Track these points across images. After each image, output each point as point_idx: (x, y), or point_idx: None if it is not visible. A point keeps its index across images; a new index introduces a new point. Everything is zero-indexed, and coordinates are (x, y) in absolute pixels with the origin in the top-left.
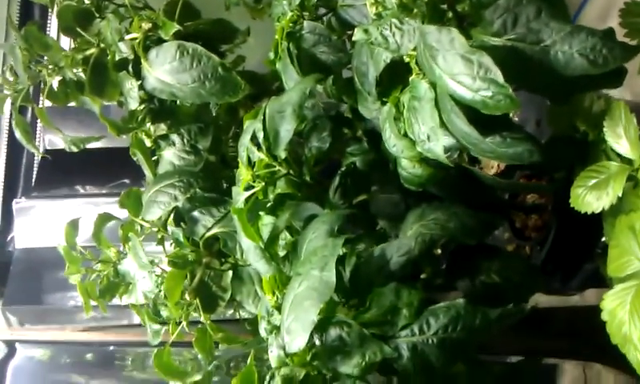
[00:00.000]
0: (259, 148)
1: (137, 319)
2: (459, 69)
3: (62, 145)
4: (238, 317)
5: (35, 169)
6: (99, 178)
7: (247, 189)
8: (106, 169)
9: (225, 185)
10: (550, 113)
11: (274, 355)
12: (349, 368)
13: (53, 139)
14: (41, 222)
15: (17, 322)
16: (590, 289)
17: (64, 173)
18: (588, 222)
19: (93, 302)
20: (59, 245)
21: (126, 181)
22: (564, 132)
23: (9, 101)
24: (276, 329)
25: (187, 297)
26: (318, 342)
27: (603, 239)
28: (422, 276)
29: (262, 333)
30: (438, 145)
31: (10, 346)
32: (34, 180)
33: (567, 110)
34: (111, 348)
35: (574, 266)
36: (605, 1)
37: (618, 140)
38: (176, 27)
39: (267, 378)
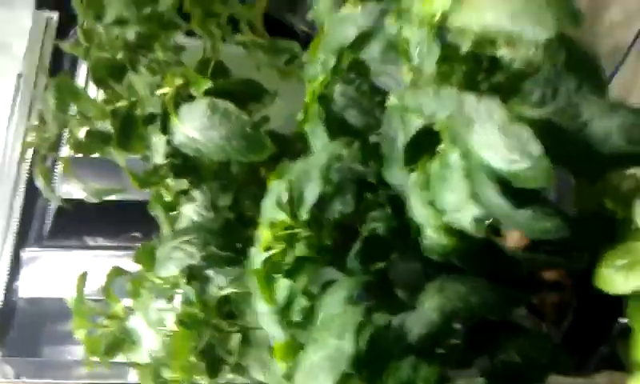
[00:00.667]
0: (282, 209)
1: (135, 378)
2: (496, 140)
3: (76, 195)
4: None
5: (48, 218)
6: (111, 230)
7: (266, 250)
8: (119, 222)
9: (240, 245)
10: (578, 190)
11: None
12: None
13: (69, 189)
14: (47, 272)
15: (14, 374)
16: (604, 372)
17: (77, 224)
18: (607, 302)
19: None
20: (68, 297)
21: (137, 234)
22: (591, 210)
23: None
24: None
25: (193, 358)
26: None
27: (621, 320)
28: (439, 351)
29: None
30: (466, 215)
31: None
32: (47, 230)
33: (595, 187)
34: None
35: (591, 346)
36: (631, 74)
37: None
38: (208, 84)
39: None
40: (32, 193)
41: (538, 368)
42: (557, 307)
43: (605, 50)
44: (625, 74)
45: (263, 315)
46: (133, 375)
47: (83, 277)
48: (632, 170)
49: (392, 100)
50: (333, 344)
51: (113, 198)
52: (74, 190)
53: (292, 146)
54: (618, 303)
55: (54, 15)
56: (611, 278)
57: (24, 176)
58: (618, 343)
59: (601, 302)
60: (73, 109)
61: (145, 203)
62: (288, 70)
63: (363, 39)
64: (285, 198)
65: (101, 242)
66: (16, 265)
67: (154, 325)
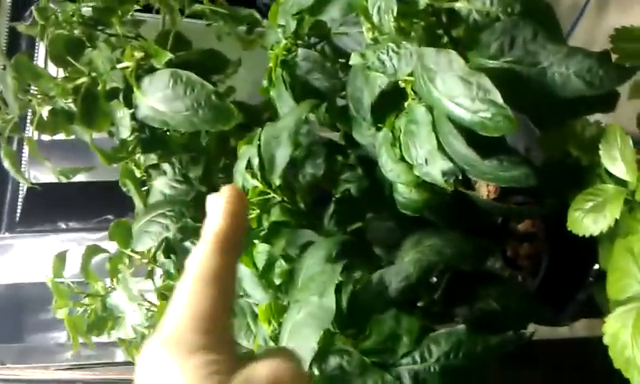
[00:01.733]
0: (253, 175)
1: (121, 357)
2: (458, 90)
3: (45, 179)
4: None
5: (19, 205)
6: (83, 213)
7: None
8: (90, 204)
9: None
10: (543, 139)
11: None
12: None
13: (37, 174)
14: (24, 258)
15: None
16: (580, 320)
17: (48, 208)
18: (581, 249)
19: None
20: (47, 277)
21: (110, 216)
22: (557, 158)
23: None
24: None
25: None
26: (317, 372)
27: (596, 267)
28: (419, 304)
29: None
30: (435, 168)
31: None
32: (18, 216)
33: (560, 135)
34: None
35: (567, 295)
36: (590, 27)
37: (614, 163)
38: (169, 56)
39: None
40: (1, 180)
41: (516, 315)
42: (531, 258)
43: (564, 5)
44: (584, 27)
45: (245, 279)
46: (119, 355)
47: (61, 256)
48: (594, 118)
49: (354, 58)
50: (315, 302)
51: (83, 179)
52: (41, 174)
53: (260, 116)
54: (591, 250)
55: None
56: (581, 221)
57: None
58: (594, 289)
59: (575, 250)
60: (33, 89)
61: (116, 183)
62: (249, 38)
63: (322, 1)
64: (256, 163)
65: (73, 225)
66: None
67: (135, 299)
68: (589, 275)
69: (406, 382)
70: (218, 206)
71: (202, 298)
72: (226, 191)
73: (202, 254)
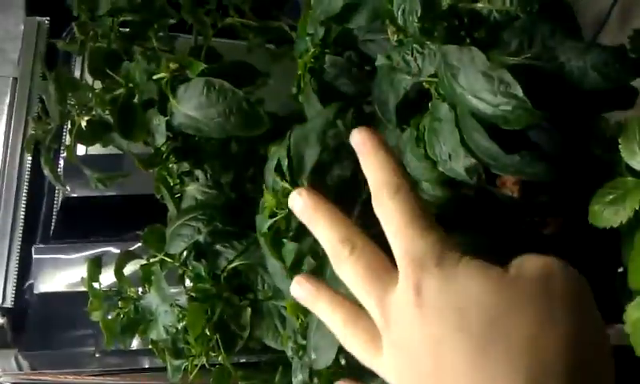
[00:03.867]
0: (282, 176)
1: (147, 364)
2: (480, 85)
3: (79, 193)
4: (257, 360)
5: (53, 217)
6: (113, 226)
7: (271, 216)
8: (120, 218)
9: (244, 222)
10: (565, 138)
11: (298, 380)
12: None
13: (71, 188)
14: (57, 269)
15: (28, 366)
16: (610, 324)
17: (80, 221)
18: (605, 252)
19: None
20: (82, 278)
21: (139, 232)
22: (579, 157)
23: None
24: (302, 348)
25: (207, 332)
26: (343, 362)
27: (621, 270)
28: None
29: (289, 352)
30: (459, 163)
31: None
32: (52, 228)
33: (582, 134)
34: None
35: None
36: (613, 38)
37: (633, 156)
38: (202, 66)
39: None
40: (35, 192)
41: None
42: None
43: (588, 16)
44: (608, 38)
45: (275, 274)
46: (146, 362)
47: (95, 261)
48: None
49: (380, 59)
50: (342, 294)
51: (113, 193)
52: (75, 188)
53: (288, 126)
54: (616, 254)
55: (45, 20)
56: (601, 214)
57: (26, 177)
58: (620, 294)
59: (600, 255)
60: (71, 101)
61: (145, 198)
62: (278, 51)
63: (349, 9)
64: (285, 164)
65: (104, 238)
66: (25, 263)
67: (168, 299)
68: (614, 280)
69: None
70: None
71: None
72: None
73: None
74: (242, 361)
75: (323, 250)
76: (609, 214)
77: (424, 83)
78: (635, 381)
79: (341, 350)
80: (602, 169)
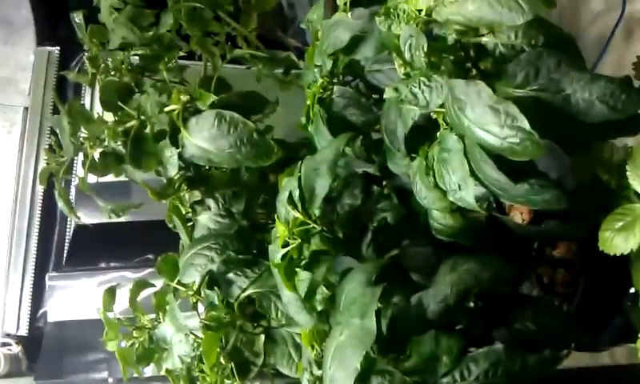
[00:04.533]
0: (294, 207)
1: None
2: (487, 118)
3: (90, 221)
4: None
5: (65, 245)
6: (124, 253)
7: (284, 246)
8: (131, 244)
9: (256, 250)
10: (573, 164)
11: None
12: None
13: (82, 216)
14: (72, 297)
15: None
16: (620, 347)
17: (93, 249)
18: (616, 274)
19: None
20: (98, 309)
21: (150, 256)
22: (587, 183)
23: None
24: (318, 380)
25: (222, 360)
26: None
27: (632, 291)
28: (458, 327)
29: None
30: (469, 193)
31: None
32: (64, 256)
33: (589, 161)
34: None
35: (604, 320)
36: (615, 59)
37: None
38: (213, 98)
39: None
40: (48, 221)
41: (554, 336)
42: (568, 284)
43: (590, 38)
44: (610, 59)
45: (289, 304)
46: None
47: (111, 291)
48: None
49: (388, 92)
50: (357, 323)
51: (123, 220)
52: (86, 217)
53: (297, 153)
54: (627, 275)
55: (55, 50)
56: (612, 241)
57: (38, 206)
58: (631, 314)
59: (610, 275)
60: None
61: (156, 224)
62: (286, 79)
63: (356, 41)
64: (296, 194)
65: (116, 265)
66: (38, 291)
67: (182, 328)
68: (625, 299)
69: None
70: None
71: None
72: None
73: None
74: None
75: (337, 280)
76: (619, 241)
77: (432, 113)
78: None
79: (357, 381)
80: (610, 195)
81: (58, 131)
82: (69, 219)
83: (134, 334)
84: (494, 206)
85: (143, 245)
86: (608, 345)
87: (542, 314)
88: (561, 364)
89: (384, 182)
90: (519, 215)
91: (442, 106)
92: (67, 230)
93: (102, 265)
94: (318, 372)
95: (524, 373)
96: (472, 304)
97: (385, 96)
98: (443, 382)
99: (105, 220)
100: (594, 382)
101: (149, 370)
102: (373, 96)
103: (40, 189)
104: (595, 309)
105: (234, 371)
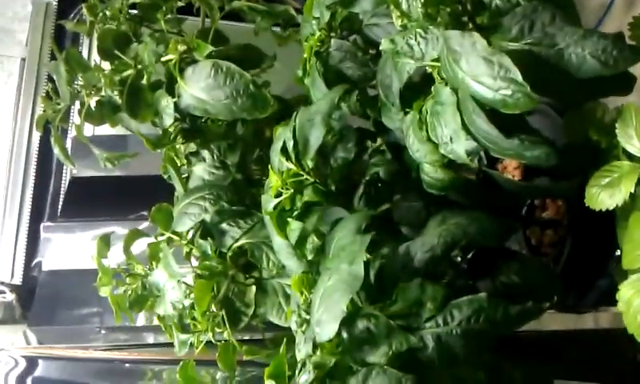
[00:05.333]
0: (288, 158)
1: (152, 340)
2: (481, 70)
3: (86, 173)
4: (260, 337)
5: (60, 196)
6: (120, 207)
7: (277, 196)
8: (126, 199)
9: (249, 203)
10: (565, 123)
11: (302, 353)
12: (376, 357)
13: (78, 168)
14: (65, 247)
15: (36, 340)
16: (604, 312)
17: (88, 201)
18: (603, 236)
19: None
20: (92, 256)
21: (145, 213)
22: (578, 142)
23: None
24: (306, 322)
25: (213, 308)
26: (345, 335)
27: (617, 253)
28: (444, 279)
29: (293, 326)
30: (460, 146)
31: (30, 361)
32: (60, 207)
33: (581, 120)
34: (129, 365)
35: (589, 281)
36: (616, 25)
37: (629, 141)
38: (210, 48)
39: (299, 366)
40: (44, 172)
41: (537, 289)
42: (555, 245)
43: (592, 4)
44: (611, 25)
45: (280, 251)
46: (150, 338)
47: (104, 238)
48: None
49: (384, 43)
50: (345, 269)
51: (119, 174)
52: (82, 169)
53: (293, 109)
54: (613, 237)
55: (53, 0)
56: (597, 197)
57: (34, 156)
58: (616, 275)
59: (597, 238)
60: (80, 83)
61: (150, 179)
62: (284, 34)
63: None
64: (290, 145)
65: (111, 218)
66: (33, 241)
67: (175, 275)
68: (611, 262)
69: (430, 344)
70: None
71: None
72: None
73: None
74: (245, 338)
75: (327, 230)
76: (604, 196)
77: (427, 67)
78: (629, 359)
79: (343, 324)
80: (600, 154)
81: (55, 78)
82: (64, 171)
83: (127, 281)
84: (486, 162)
85: (138, 200)
86: (592, 307)
87: (528, 269)
88: (542, 315)
89: (378, 138)
90: (510, 174)
91: (437, 60)
92: (62, 181)
93: (96, 218)
94: (306, 315)
95: (506, 321)
96: (459, 258)
97: (381, 48)
98: (427, 326)
99: (101, 173)
100: (579, 345)
101: (141, 319)
102: (370, 51)
103: (36, 140)
104: (581, 270)
105: (225, 320)
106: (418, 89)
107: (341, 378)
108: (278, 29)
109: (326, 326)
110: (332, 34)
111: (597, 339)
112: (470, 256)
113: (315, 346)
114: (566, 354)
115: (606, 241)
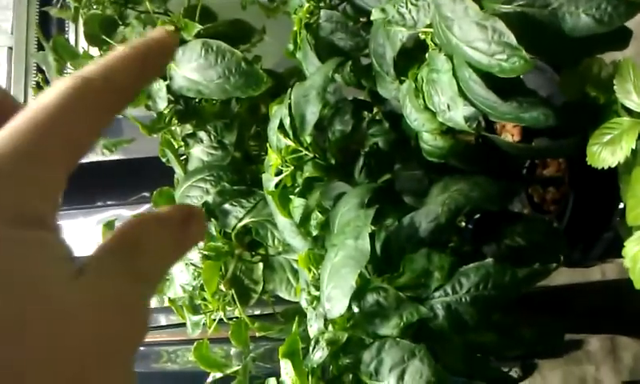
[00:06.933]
0: (285, 134)
1: (164, 322)
2: (474, 35)
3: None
4: (271, 311)
5: None
6: (120, 191)
7: (277, 174)
8: (125, 182)
9: (250, 181)
10: (562, 81)
11: (314, 329)
12: (388, 329)
13: None
14: (69, 233)
15: None
16: (610, 264)
17: (87, 187)
18: (605, 190)
19: None
20: (98, 243)
21: (146, 194)
22: (576, 99)
23: None
24: (316, 299)
25: (222, 287)
26: (356, 310)
27: (621, 206)
28: (450, 245)
29: (303, 304)
30: (457, 113)
31: None
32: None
33: (578, 77)
34: (142, 348)
35: (594, 235)
36: None
37: (628, 96)
38: (198, 27)
39: (312, 343)
40: None
41: (543, 250)
42: (558, 202)
43: None
44: None
45: (284, 230)
46: (162, 320)
47: (109, 224)
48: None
49: (375, 13)
50: (351, 244)
51: (117, 158)
52: None
53: (286, 83)
54: (615, 190)
55: None
56: (599, 154)
57: None
58: (620, 228)
59: (600, 191)
60: (69, 70)
61: (149, 160)
62: (272, 6)
63: None
64: (287, 122)
65: (111, 202)
66: None
67: (184, 258)
68: (614, 214)
69: (440, 313)
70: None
71: None
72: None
73: None
74: (256, 313)
75: (330, 205)
76: (606, 154)
77: (420, 34)
78: (635, 313)
79: (353, 298)
80: (599, 110)
81: (44, 68)
82: None
83: None
84: (484, 126)
85: (137, 182)
86: (598, 260)
87: (532, 230)
88: (549, 276)
89: (374, 108)
90: (510, 136)
91: (429, 26)
92: None
93: (99, 203)
94: (315, 292)
95: (513, 285)
96: (463, 224)
97: (372, 18)
98: (435, 295)
99: (98, 158)
100: (586, 297)
101: (152, 300)
102: (360, 19)
103: None
104: (585, 225)
105: (235, 298)
106: (412, 56)
107: (354, 352)
108: (265, 0)
109: (337, 302)
110: (321, 4)
111: (603, 290)
112: (474, 221)
113: (327, 322)
114: (576, 307)
115: (608, 195)
